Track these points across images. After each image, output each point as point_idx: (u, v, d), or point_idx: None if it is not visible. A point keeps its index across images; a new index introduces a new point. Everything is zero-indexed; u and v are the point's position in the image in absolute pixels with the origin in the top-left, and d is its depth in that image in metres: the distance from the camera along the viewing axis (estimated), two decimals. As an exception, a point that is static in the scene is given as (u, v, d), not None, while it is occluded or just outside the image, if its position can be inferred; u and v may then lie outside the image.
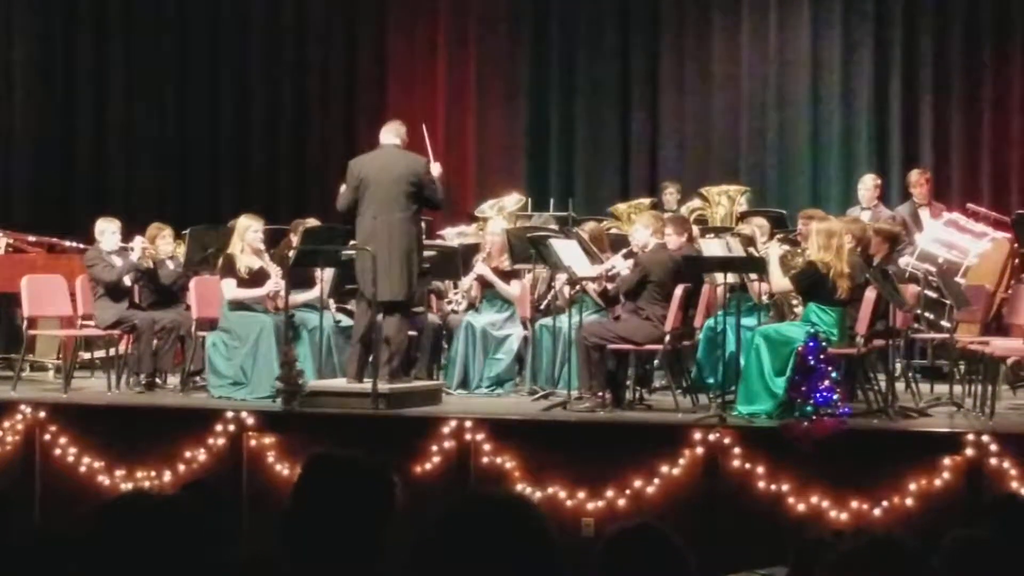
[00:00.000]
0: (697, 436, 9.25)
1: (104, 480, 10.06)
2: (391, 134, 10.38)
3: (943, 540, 3.95)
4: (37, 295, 11.43)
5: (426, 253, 11.35)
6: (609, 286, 10.71)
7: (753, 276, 10.70)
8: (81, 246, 12.73)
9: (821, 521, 8.81)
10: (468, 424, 9.59)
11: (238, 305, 10.96)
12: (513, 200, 13.69)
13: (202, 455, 9.93)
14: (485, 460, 9.53)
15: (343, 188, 10.44)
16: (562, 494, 9.32)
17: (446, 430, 9.59)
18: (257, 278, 10.99)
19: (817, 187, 15.48)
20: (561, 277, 11.05)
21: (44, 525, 9.87)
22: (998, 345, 9.92)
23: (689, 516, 8.97)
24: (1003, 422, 9.46)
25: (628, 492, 9.25)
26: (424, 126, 10.64)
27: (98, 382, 11.86)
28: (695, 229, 11.95)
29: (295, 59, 16.91)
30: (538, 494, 9.23)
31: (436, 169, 10.43)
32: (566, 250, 10.56)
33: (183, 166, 16.99)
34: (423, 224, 10.63)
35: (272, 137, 16.94)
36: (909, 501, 8.85)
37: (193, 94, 16.95)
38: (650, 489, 9.23)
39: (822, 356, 9.31)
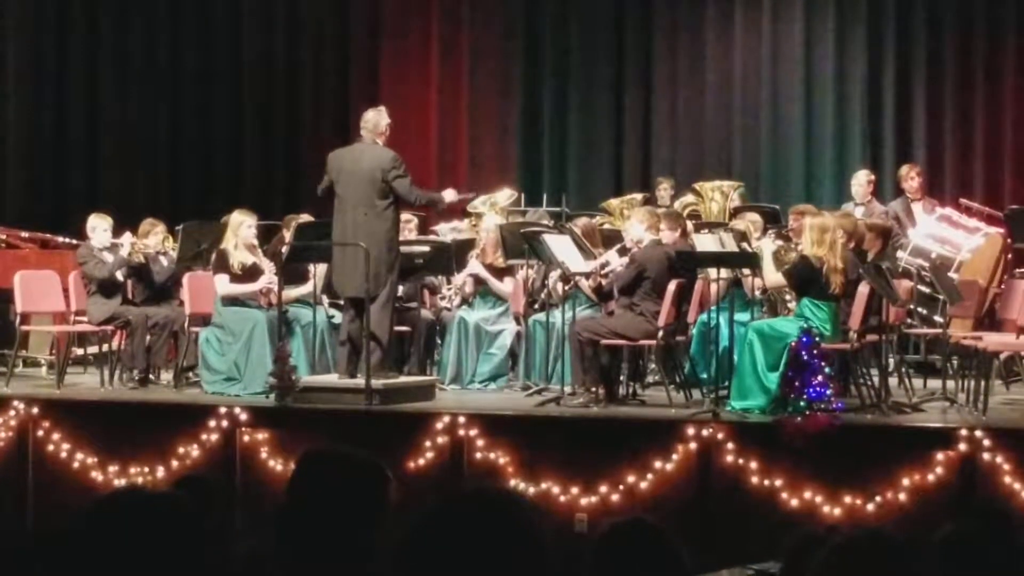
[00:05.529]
0: (690, 431, 9.25)
1: (97, 476, 10.04)
2: (365, 127, 10.26)
3: (935, 535, 3.96)
4: (30, 291, 11.42)
5: (419, 248, 11.34)
6: (603, 282, 10.71)
7: (746, 271, 10.70)
8: (74, 242, 12.70)
9: (814, 516, 8.81)
10: (461, 420, 9.58)
11: (231, 301, 10.95)
12: (505, 195, 13.65)
13: (195, 451, 9.92)
14: (478, 456, 9.52)
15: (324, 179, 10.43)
16: (555, 490, 9.32)
17: (439, 426, 9.59)
18: (250, 274, 10.98)
19: (810, 183, 15.51)
20: (555, 273, 11.05)
21: (37, 521, 9.89)
22: (991, 340, 9.92)
23: (682, 511, 8.97)
24: (996, 417, 9.46)
25: (621, 487, 9.24)
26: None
27: (91, 378, 11.84)
28: (688, 224, 11.95)
29: (288, 53, 16.90)
30: (531, 489, 9.23)
31: (450, 195, 10.51)
32: (559, 246, 10.56)
33: (176, 162, 16.97)
34: (393, 220, 10.19)
35: (265, 132, 16.93)
36: (902, 496, 8.85)
37: (186, 89, 16.94)
38: (643, 484, 9.22)
39: (815, 351, 9.31)
